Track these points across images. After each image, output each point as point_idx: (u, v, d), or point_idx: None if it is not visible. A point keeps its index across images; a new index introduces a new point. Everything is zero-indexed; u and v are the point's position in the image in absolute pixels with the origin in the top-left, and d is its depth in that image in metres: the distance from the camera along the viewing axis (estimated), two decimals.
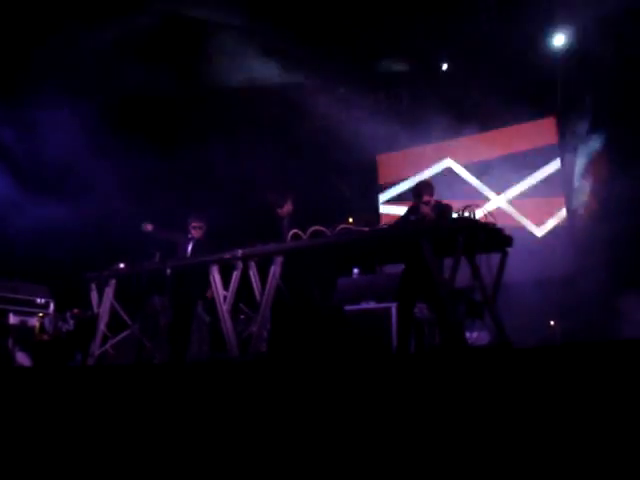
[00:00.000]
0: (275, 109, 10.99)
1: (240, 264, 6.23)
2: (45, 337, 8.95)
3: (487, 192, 11.23)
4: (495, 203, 11.00)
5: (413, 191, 6.36)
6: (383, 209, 12.30)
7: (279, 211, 6.87)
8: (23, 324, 8.83)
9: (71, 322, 9.34)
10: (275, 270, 5.96)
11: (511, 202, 11.03)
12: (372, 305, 7.70)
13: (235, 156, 10.82)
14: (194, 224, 7.59)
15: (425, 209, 5.99)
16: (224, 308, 6.21)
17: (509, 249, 5.84)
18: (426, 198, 6.11)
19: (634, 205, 8.97)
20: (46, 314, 9.18)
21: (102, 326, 7.12)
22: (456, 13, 9.77)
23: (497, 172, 11.15)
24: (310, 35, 9.86)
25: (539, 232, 10.76)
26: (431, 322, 6.79)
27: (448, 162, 11.80)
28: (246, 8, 9.26)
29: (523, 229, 10.68)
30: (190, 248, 7.54)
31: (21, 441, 3.89)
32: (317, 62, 10.30)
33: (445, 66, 11.23)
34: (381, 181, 12.59)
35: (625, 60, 9.24)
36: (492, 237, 5.66)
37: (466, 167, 11.65)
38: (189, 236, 7.61)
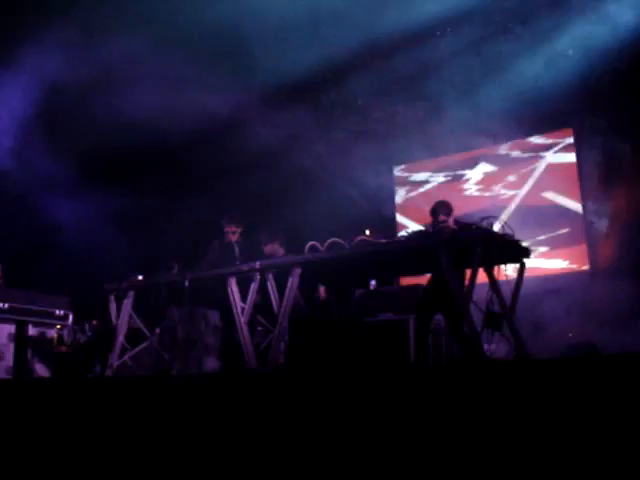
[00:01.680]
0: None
1: (258, 276, 6.25)
2: (64, 348, 8.98)
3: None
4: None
5: (431, 210, 6.38)
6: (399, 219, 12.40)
7: (262, 247, 7.23)
8: (42, 335, 8.86)
9: (89, 334, 9.39)
10: (293, 282, 5.97)
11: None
12: (389, 317, 7.68)
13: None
14: (230, 229, 7.39)
15: (442, 225, 6.02)
16: (242, 320, 6.23)
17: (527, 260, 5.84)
18: (442, 217, 6.14)
19: None
20: (65, 325, 9.22)
21: (120, 337, 7.15)
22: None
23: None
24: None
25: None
26: (449, 333, 6.77)
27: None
28: None
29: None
30: (238, 252, 7.34)
31: (41, 451, 3.91)
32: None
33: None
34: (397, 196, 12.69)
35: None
36: (510, 248, 5.65)
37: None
38: (226, 241, 7.41)
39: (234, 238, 7.39)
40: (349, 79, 10.50)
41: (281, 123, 10.35)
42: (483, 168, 11.71)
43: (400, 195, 12.66)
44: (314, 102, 10.69)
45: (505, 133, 10.75)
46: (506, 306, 5.74)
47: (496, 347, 5.77)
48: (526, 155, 11.30)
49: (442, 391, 3.13)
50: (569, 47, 9.80)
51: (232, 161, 10.96)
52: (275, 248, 7.13)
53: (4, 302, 8.24)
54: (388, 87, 10.86)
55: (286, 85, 9.97)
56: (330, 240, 6.01)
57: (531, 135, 11.20)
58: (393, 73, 10.51)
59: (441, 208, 6.25)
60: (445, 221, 6.10)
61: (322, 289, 7.28)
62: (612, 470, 2.48)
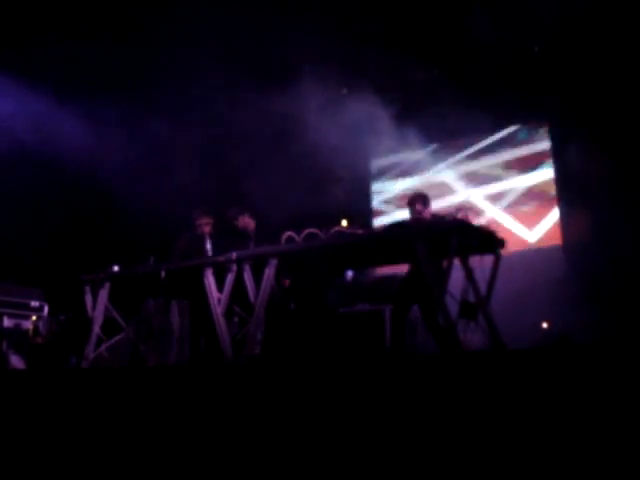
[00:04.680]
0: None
1: (234, 267, 6.24)
2: (39, 340, 8.94)
3: (480, 202, 11.34)
4: (488, 212, 11.14)
5: (407, 201, 6.41)
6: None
7: (235, 223, 7.08)
8: (17, 327, 8.81)
9: (65, 325, 9.34)
10: (269, 272, 5.96)
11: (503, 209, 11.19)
12: (365, 307, 7.72)
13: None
14: (203, 221, 7.35)
15: (418, 216, 6.05)
16: (218, 311, 6.22)
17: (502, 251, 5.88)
18: (418, 207, 6.16)
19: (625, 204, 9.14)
20: (40, 317, 9.17)
21: (96, 329, 7.11)
22: (450, 17, 9.84)
23: (490, 179, 11.34)
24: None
25: (532, 237, 10.86)
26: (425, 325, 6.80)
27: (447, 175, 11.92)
28: None
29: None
30: (209, 245, 7.29)
31: (15, 444, 3.89)
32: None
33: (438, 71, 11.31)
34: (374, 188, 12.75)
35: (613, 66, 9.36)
36: (485, 239, 5.69)
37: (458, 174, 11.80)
38: (198, 233, 7.36)
39: (207, 230, 7.38)
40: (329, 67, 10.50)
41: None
42: (458, 160, 11.81)
43: (376, 187, 12.72)
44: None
45: (480, 126, 10.84)
46: (481, 296, 5.78)
47: (471, 337, 5.81)
48: (501, 148, 11.44)
49: (417, 381, 3.15)
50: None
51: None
52: (246, 221, 7.16)
53: None
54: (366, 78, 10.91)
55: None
56: (307, 231, 6.02)
57: (506, 127, 11.31)
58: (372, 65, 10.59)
59: (418, 199, 6.28)
60: (421, 212, 6.12)
61: (287, 282, 7.28)
62: (586, 457, 2.52)
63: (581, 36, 9.31)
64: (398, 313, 6.28)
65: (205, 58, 9.64)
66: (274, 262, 5.98)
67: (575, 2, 8.57)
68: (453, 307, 5.52)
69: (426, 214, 6.15)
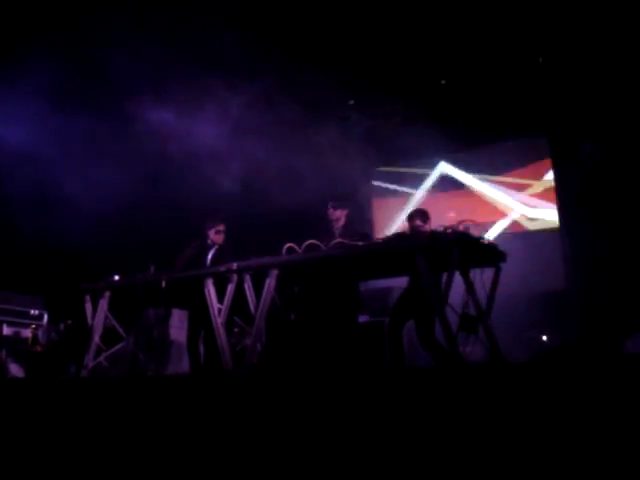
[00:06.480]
0: None
1: (235, 277, 6.24)
2: (38, 348, 8.93)
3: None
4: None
5: (407, 217, 6.42)
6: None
7: (328, 214, 6.94)
8: (16, 335, 8.81)
9: (64, 334, 9.34)
10: (270, 283, 5.96)
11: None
12: (365, 319, 7.70)
13: None
14: (218, 228, 7.24)
15: (418, 230, 6.05)
16: (219, 321, 6.22)
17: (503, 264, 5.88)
18: (418, 223, 6.16)
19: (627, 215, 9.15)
20: (40, 325, 9.16)
21: (96, 338, 7.10)
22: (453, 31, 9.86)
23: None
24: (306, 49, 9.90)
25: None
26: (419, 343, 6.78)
27: (443, 166, 11.97)
28: None
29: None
30: (210, 256, 7.19)
31: (14, 452, 3.89)
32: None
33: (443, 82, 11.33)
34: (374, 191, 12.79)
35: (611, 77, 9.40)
36: (486, 252, 5.69)
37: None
38: (208, 242, 7.25)
39: (219, 239, 7.27)
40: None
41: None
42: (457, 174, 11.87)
43: (377, 199, 12.74)
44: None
45: (478, 138, 10.87)
46: (482, 309, 5.78)
47: (471, 350, 5.80)
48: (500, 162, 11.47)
49: (416, 393, 3.15)
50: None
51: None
52: (338, 215, 6.98)
53: None
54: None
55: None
56: (307, 242, 6.02)
57: (505, 140, 11.34)
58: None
59: (418, 214, 6.28)
60: (422, 227, 6.12)
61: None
62: (585, 467, 2.51)
63: (586, 47, 9.33)
64: (394, 327, 6.26)
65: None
66: (275, 273, 5.98)
67: (579, 13, 8.62)
68: (453, 320, 5.51)
69: (426, 230, 6.14)
